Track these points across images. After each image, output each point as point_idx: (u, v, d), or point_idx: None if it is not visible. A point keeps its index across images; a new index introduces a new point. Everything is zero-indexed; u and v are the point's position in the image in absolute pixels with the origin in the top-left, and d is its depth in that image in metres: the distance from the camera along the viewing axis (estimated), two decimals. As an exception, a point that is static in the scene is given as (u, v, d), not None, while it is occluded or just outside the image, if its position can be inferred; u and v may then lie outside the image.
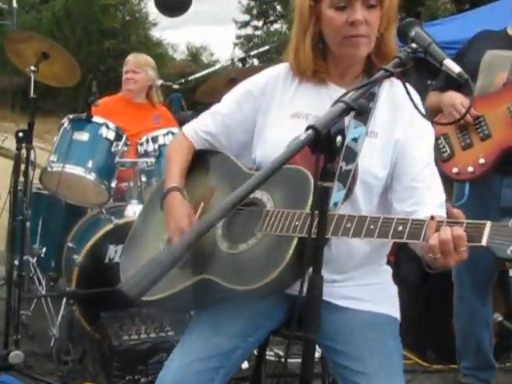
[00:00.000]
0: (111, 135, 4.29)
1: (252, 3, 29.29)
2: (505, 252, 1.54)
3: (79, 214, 4.65)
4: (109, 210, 4.39)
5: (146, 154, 4.53)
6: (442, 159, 3.46)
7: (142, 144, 4.58)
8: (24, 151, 3.77)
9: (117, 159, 4.29)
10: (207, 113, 2.43)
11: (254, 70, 2.47)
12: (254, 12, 30.80)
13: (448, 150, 3.48)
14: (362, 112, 1.65)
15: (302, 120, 2.17)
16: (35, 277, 4.48)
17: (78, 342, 3.94)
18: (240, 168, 2.28)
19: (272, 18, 30.91)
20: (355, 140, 2.10)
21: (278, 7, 26.95)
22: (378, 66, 1.81)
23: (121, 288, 1.33)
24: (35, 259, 4.54)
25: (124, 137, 4.36)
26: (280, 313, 2.23)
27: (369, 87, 1.71)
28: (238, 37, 32.47)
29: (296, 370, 1.71)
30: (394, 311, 2.24)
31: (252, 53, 5.39)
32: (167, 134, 4.61)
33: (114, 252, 4.02)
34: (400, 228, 1.73)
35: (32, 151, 3.81)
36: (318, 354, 2.26)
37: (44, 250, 4.60)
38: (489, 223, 1.60)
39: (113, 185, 4.29)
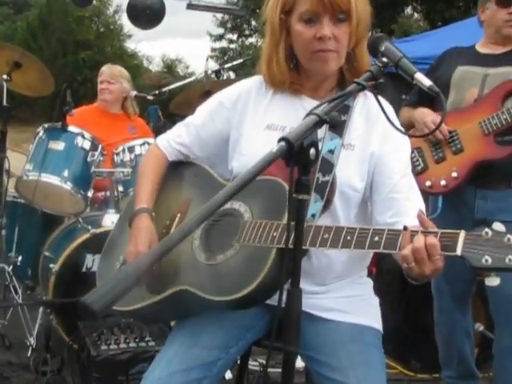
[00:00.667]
0: (87, 145, 4.30)
1: (226, 17, 29.36)
2: (479, 261, 1.55)
3: (56, 223, 4.63)
4: (86, 219, 4.39)
5: (123, 163, 4.54)
6: (415, 172, 3.46)
7: (118, 154, 4.59)
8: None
9: (93, 169, 4.30)
10: (181, 124, 2.43)
11: (229, 83, 2.48)
12: (229, 25, 30.88)
13: (421, 164, 3.52)
14: (335, 125, 1.67)
15: (279, 132, 2.17)
16: (11, 285, 4.44)
17: (56, 351, 3.90)
18: (215, 179, 2.29)
19: (247, 32, 31.01)
20: (331, 152, 2.10)
21: (253, 22, 27.03)
22: (351, 81, 1.81)
23: (84, 301, 1.28)
24: (11, 267, 4.50)
25: (100, 146, 4.37)
26: (261, 324, 2.23)
27: (341, 100, 1.71)
28: (213, 50, 32.55)
29: (279, 379, 1.71)
30: (376, 322, 2.24)
31: (226, 65, 5.44)
32: (143, 144, 4.63)
33: (91, 261, 4.01)
34: (376, 238, 1.75)
35: (6, 160, 3.80)
36: (302, 364, 2.29)
37: (20, 258, 4.56)
38: (463, 232, 1.61)
39: (89, 194, 4.29)
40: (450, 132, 3.43)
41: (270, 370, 3.64)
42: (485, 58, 3.49)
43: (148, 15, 10.39)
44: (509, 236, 1.55)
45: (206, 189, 2.26)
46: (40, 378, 3.70)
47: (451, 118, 3.43)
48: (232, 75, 23.01)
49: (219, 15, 29.62)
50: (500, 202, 3.38)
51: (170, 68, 37.80)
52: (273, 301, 1.99)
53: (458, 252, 1.60)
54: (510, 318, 3.33)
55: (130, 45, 33.88)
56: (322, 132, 2.07)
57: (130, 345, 3.48)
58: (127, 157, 4.56)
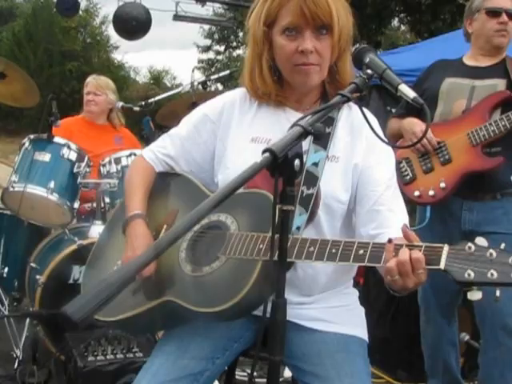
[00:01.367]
0: (73, 156, 4.31)
1: (213, 28, 29.41)
2: (462, 275, 1.56)
3: (42, 234, 4.62)
4: (72, 230, 4.39)
5: (109, 175, 4.53)
6: (404, 182, 3.52)
7: (104, 165, 4.59)
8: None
9: (79, 180, 4.30)
10: (166, 136, 2.43)
11: (216, 94, 2.48)
12: (216, 37, 30.92)
13: (410, 174, 3.55)
14: (319, 136, 1.67)
15: (264, 145, 2.16)
16: (-3, 297, 4.42)
17: (42, 363, 3.89)
18: (202, 190, 2.29)
19: (234, 44, 31.07)
20: (315, 164, 2.12)
21: (241, 33, 27.07)
22: (334, 94, 1.81)
23: (65, 311, 1.27)
24: (-3, 279, 4.48)
25: (86, 158, 4.38)
26: (248, 334, 2.23)
27: (325, 112, 1.72)
28: (200, 61, 32.59)
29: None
30: (362, 332, 2.26)
31: (212, 77, 5.45)
32: (130, 155, 4.62)
33: (78, 272, 4.00)
34: (361, 252, 1.75)
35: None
36: (290, 374, 2.30)
37: (6, 269, 4.53)
38: (446, 246, 1.63)
39: (75, 205, 4.30)
40: (439, 143, 3.47)
41: (258, 380, 3.64)
42: (472, 70, 3.54)
43: (134, 26, 10.43)
44: (491, 251, 1.56)
45: (193, 200, 2.23)
46: (27, 389, 3.67)
47: (439, 129, 3.47)
48: (220, 87, 23.04)
49: (206, 26, 29.71)
50: (486, 214, 3.42)
51: (157, 79, 37.77)
52: (259, 311, 1.97)
53: (442, 266, 1.61)
54: (496, 328, 3.35)
55: (116, 56, 33.90)
56: (306, 145, 2.09)
57: (118, 356, 3.47)
58: (113, 168, 4.55)
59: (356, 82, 1.81)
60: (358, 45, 2.13)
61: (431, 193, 3.45)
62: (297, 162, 1.60)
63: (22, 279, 4.39)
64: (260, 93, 2.24)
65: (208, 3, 12.08)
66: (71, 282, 4.02)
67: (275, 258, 1.64)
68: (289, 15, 2.06)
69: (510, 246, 3.23)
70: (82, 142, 4.66)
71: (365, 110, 1.93)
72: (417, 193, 3.51)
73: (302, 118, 1.66)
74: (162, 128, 5.08)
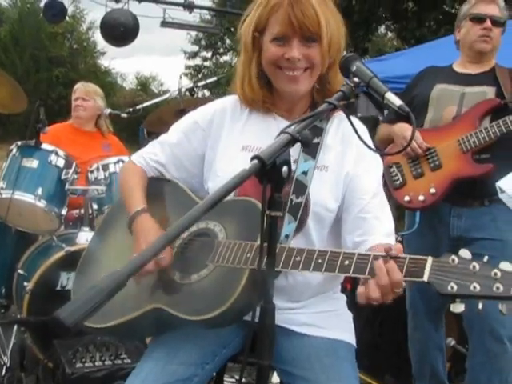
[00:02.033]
0: (61, 162, 4.30)
1: (200, 35, 29.43)
2: (445, 288, 1.58)
3: (30, 241, 4.60)
4: (60, 237, 4.38)
5: (97, 181, 4.54)
6: (394, 187, 3.55)
7: (92, 171, 4.59)
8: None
9: (67, 186, 4.29)
10: (155, 142, 2.43)
11: (203, 101, 2.49)
12: (203, 43, 30.94)
13: (400, 179, 3.56)
14: (307, 143, 1.69)
15: (255, 153, 2.17)
16: (-16, 304, 4.40)
17: (30, 370, 3.87)
18: (192, 198, 2.29)
19: (221, 50, 31.10)
20: (305, 173, 2.14)
21: (228, 40, 27.12)
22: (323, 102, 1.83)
23: (57, 316, 1.26)
24: (-16, 286, 4.45)
25: (74, 164, 4.38)
26: (237, 340, 2.24)
27: (313, 119, 1.73)
28: (188, 67, 32.59)
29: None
30: (350, 337, 2.28)
31: (200, 83, 5.46)
32: (118, 162, 4.64)
33: (66, 279, 4.00)
34: (346, 262, 1.77)
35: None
36: (278, 380, 2.33)
37: (-7, 276, 4.53)
38: (430, 259, 1.64)
39: (63, 212, 4.29)
40: (429, 149, 3.50)
41: (246, 386, 3.65)
42: (462, 76, 3.57)
43: (122, 32, 10.41)
44: (474, 264, 1.57)
45: (184, 208, 2.22)
46: (14, 397, 3.66)
47: (430, 135, 3.50)
48: (207, 93, 23.04)
49: (193, 33, 29.73)
50: (474, 220, 3.45)
51: (144, 85, 37.77)
52: (248, 317, 1.99)
53: (425, 278, 1.62)
54: (484, 333, 3.37)
55: (103, 62, 33.88)
56: (295, 153, 2.10)
57: (106, 362, 3.45)
58: (101, 175, 4.57)
59: (343, 89, 1.82)
60: (344, 52, 2.15)
61: (421, 198, 3.47)
62: (285, 168, 1.61)
63: (10, 286, 4.37)
64: (249, 99, 2.26)
65: (195, 9, 12.06)
66: (59, 288, 4.01)
67: (263, 265, 1.65)
68: (277, 24, 2.08)
69: (497, 252, 3.28)
70: (70, 148, 4.65)
71: (352, 117, 1.95)
72: (407, 198, 3.52)
73: (289, 126, 1.67)
74: (152, 135, 5.09)
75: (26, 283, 4.00)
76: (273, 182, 1.61)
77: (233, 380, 3.63)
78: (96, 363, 3.44)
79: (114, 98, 27.14)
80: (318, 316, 2.24)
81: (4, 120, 22.60)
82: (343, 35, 2.19)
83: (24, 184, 4.14)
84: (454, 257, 1.61)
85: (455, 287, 1.57)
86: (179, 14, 11.70)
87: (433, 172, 3.49)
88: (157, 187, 2.40)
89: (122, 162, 4.60)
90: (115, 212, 2.54)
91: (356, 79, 1.85)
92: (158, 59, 73.08)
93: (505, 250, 3.36)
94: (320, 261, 1.81)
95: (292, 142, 1.63)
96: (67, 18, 18.24)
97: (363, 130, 2.16)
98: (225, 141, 2.28)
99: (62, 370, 3.43)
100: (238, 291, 1.92)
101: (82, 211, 4.45)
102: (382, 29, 20.42)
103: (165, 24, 11.59)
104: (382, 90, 1.80)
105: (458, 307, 1.59)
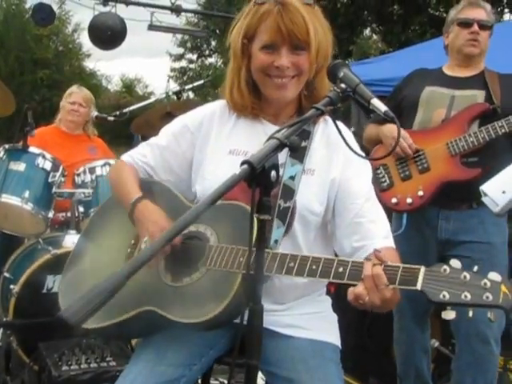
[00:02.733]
0: (48, 165, 4.30)
1: (186, 37, 29.38)
2: (437, 296, 1.64)
3: (16, 244, 4.60)
4: (46, 240, 4.37)
5: (84, 184, 4.55)
6: (381, 189, 3.54)
7: (79, 174, 4.60)
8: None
9: (54, 189, 4.29)
10: (146, 144, 2.45)
11: (189, 104, 2.51)
12: (189, 45, 30.89)
13: (387, 180, 3.57)
14: (295, 149, 1.72)
15: (241, 157, 2.19)
16: (-30, 307, 4.37)
17: (16, 374, 3.86)
18: (181, 201, 2.31)
19: (206, 52, 31.05)
20: (292, 178, 2.17)
21: (213, 42, 27.11)
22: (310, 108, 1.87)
23: (61, 315, 1.31)
24: (-30, 289, 4.43)
25: (61, 167, 4.38)
26: (224, 341, 2.26)
27: (301, 125, 1.76)
28: (173, 69, 32.53)
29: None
30: (335, 338, 2.30)
31: (187, 87, 5.47)
32: (104, 165, 4.65)
33: (52, 282, 3.99)
34: (341, 269, 1.82)
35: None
36: (262, 382, 2.34)
37: (-21, 279, 4.51)
38: (423, 268, 1.70)
39: (50, 215, 4.28)
40: (418, 151, 3.51)
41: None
42: (452, 79, 3.60)
43: (109, 36, 10.41)
44: (465, 273, 1.64)
45: (173, 211, 2.26)
46: (0, 400, 3.65)
47: (419, 138, 3.51)
48: (191, 95, 23.01)
49: (179, 35, 29.68)
50: (462, 223, 3.47)
51: (129, 87, 37.68)
52: (237, 318, 2.03)
53: (418, 287, 1.68)
54: (471, 334, 3.39)
55: (88, 64, 33.75)
56: (283, 158, 2.13)
57: (91, 365, 3.45)
58: (88, 178, 4.57)
59: (330, 95, 1.85)
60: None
61: (409, 200, 3.47)
62: (273, 173, 1.64)
63: (-5, 289, 4.37)
64: (238, 106, 2.29)
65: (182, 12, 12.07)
66: (45, 291, 4.00)
67: (253, 270, 1.69)
68: (267, 32, 2.11)
69: (484, 254, 3.31)
70: (56, 151, 4.65)
71: (339, 123, 1.97)
72: (394, 200, 3.52)
73: (278, 131, 1.70)
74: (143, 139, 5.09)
75: (12, 286, 3.99)
76: (261, 186, 1.65)
77: (216, 382, 3.65)
78: (82, 366, 3.44)
79: (99, 100, 27.01)
80: (303, 318, 2.27)
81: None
82: (331, 43, 2.22)
83: (11, 187, 4.14)
84: (445, 266, 1.67)
85: (447, 296, 1.63)
86: (166, 17, 11.71)
87: (421, 174, 3.49)
88: (146, 189, 2.40)
89: (109, 164, 4.61)
90: (102, 213, 2.56)
91: (343, 85, 1.87)
92: (143, 61, 73.10)
93: (492, 253, 3.40)
94: (314, 267, 1.85)
95: (280, 147, 1.66)
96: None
97: (349, 134, 2.18)
98: (213, 145, 2.31)
99: (47, 373, 3.43)
100: (232, 294, 1.94)
101: (69, 214, 4.47)
102: (368, 31, 20.48)
103: (152, 27, 11.60)
104: (369, 96, 1.84)
105: (449, 314, 1.65)
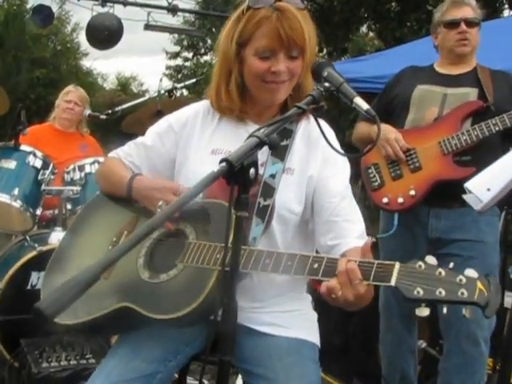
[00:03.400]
0: (38, 163, 4.32)
1: (183, 35, 29.34)
2: (411, 292, 1.62)
3: (2, 241, 4.59)
4: (32, 237, 4.37)
5: (73, 181, 4.56)
6: (372, 188, 3.52)
7: (68, 172, 4.62)
8: None
9: (43, 187, 4.30)
10: (132, 143, 2.46)
11: (181, 102, 2.51)
12: (185, 43, 30.84)
13: (378, 180, 3.53)
14: (274, 147, 1.73)
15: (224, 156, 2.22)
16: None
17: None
18: None
19: (202, 51, 31.00)
20: (273, 176, 2.18)
21: (209, 40, 27.05)
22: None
23: (37, 306, 1.31)
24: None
25: (51, 165, 4.39)
26: (200, 339, 2.26)
27: (282, 123, 1.77)
28: (168, 67, 32.45)
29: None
30: (313, 337, 2.30)
31: (179, 85, 5.47)
32: (93, 162, 4.66)
33: (36, 279, 3.99)
34: (315, 266, 1.81)
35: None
36: (241, 382, 2.34)
37: (-36, 277, 4.50)
38: (397, 264, 1.68)
39: (38, 212, 4.30)
40: (409, 150, 3.48)
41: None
42: (444, 77, 3.58)
43: (106, 36, 10.42)
44: (440, 270, 1.62)
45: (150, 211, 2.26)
46: (-21, 397, 3.64)
47: (411, 136, 3.49)
48: (185, 92, 22.96)
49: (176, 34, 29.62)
50: (453, 221, 3.44)
51: (124, 86, 37.60)
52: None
53: (392, 283, 1.66)
54: (461, 334, 3.36)
55: (85, 63, 33.69)
56: (264, 157, 2.14)
57: (71, 362, 3.46)
58: (77, 175, 4.59)
59: (313, 94, 1.86)
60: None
61: (400, 200, 3.44)
62: (252, 170, 1.65)
63: (-20, 286, 4.34)
64: (223, 107, 2.29)
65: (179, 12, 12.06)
66: (29, 287, 4.00)
67: (228, 265, 1.69)
68: (264, 37, 2.10)
69: (476, 253, 3.28)
70: (47, 148, 4.69)
71: (321, 121, 1.97)
72: (385, 199, 3.49)
73: (258, 130, 1.71)
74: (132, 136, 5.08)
75: (-4, 283, 3.98)
76: (240, 183, 1.65)
77: (196, 382, 3.65)
78: (61, 363, 3.45)
79: (94, 98, 26.96)
80: (282, 315, 2.27)
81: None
82: (316, 44, 2.22)
83: (1, 184, 4.15)
84: (420, 263, 1.65)
85: (421, 292, 1.61)
86: (163, 17, 11.72)
87: (412, 174, 3.46)
88: None
89: (98, 162, 4.61)
90: (88, 210, 2.56)
91: (327, 84, 1.88)
92: (139, 59, 72.87)
93: (485, 252, 3.38)
94: (289, 263, 1.85)
95: (260, 145, 1.67)
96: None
97: (331, 133, 2.20)
98: (195, 145, 2.31)
99: (27, 370, 3.44)
100: (207, 291, 1.94)
101: (56, 211, 4.46)
102: (364, 28, 20.38)
103: (148, 27, 11.60)
104: (352, 94, 1.85)
105: (423, 311, 1.63)
